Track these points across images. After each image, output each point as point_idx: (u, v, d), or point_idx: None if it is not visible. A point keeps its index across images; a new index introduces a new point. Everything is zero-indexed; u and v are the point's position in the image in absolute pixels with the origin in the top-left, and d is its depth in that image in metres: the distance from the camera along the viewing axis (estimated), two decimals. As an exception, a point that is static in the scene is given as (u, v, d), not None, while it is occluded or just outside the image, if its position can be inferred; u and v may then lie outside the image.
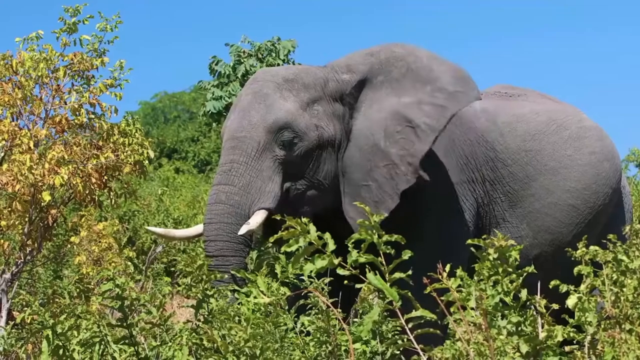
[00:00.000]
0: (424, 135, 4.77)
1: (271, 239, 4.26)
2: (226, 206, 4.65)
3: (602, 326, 3.20)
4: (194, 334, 3.36)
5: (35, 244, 5.93)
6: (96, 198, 5.92)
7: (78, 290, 3.87)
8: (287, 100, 4.79)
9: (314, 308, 3.85)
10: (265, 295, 3.75)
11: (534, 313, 3.00)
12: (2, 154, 5.88)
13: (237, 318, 3.57)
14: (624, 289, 3.26)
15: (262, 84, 4.88)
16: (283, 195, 4.72)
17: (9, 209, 5.79)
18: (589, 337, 3.17)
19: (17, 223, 5.86)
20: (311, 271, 2.83)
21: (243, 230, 4.54)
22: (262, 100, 4.79)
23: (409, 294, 2.96)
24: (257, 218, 4.61)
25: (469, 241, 3.12)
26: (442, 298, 2.98)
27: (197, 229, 4.87)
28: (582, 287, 3.22)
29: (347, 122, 4.91)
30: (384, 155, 4.82)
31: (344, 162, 4.88)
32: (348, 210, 4.84)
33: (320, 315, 3.62)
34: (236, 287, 4.26)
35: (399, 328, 3.39)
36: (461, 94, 4.86)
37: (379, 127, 4.85)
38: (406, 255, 2.92)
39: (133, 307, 3.46)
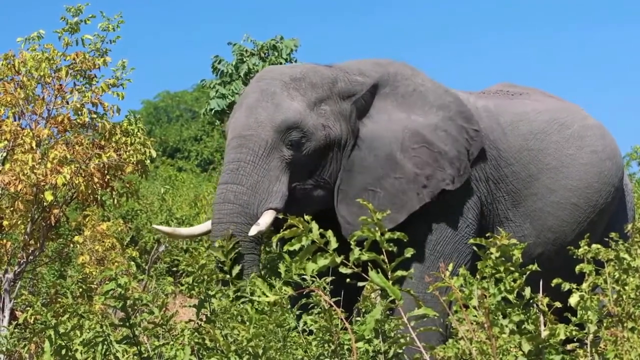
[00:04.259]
0: (443, 162, 4.87)
1: (274, 238, 4.27)
2: (235, 206, 4.63)
3: (604, 324, 3.20)
4: (196, 333, 3.36)
5: (38, 244, 5.93)
6: (98, 197, 5.92)
7: (81, 290, 3.87)
8: (294, 100, 4.76)
9: (316, 307, 3.85)
10: (268, 294, 3.75)
11: (537, 311, 3.00)
12: (5, 154, 5.88)
13: (239, 317, 3.57)
14: (626, 287, 3.26)
15: (269, 82, 4.84)
16: (289, 195, 4.71)
17: (12, 208, 5.78)
18: (591, 336, 3.17)
19: (19, 223, 5.86)
20: (313, 270, 2.82)
21: (253, 231, 4.53)
22: (269, 99, 4.76)
23: (412, 292, 2.96)
24: (266, 219, 4.60)
25: (472, 240, 3.11)
26: (445, 297, 2.97)
27: (203, 227, 4.86)
28: (585, 285, 3.21)
29: (353, 122, 4.91)
30: (398, 167, 4.86)
31: (351, 161, 4.87)
32: (340, 208, 4.84)
33: (322, 314, 3.62)
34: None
35: (401, 327, 3.38)
36: (464, 130, 4.96)
37: (396, 138, 4.88)
38: (409, 253, 2.92)
39: (135, 307, 3.47)
